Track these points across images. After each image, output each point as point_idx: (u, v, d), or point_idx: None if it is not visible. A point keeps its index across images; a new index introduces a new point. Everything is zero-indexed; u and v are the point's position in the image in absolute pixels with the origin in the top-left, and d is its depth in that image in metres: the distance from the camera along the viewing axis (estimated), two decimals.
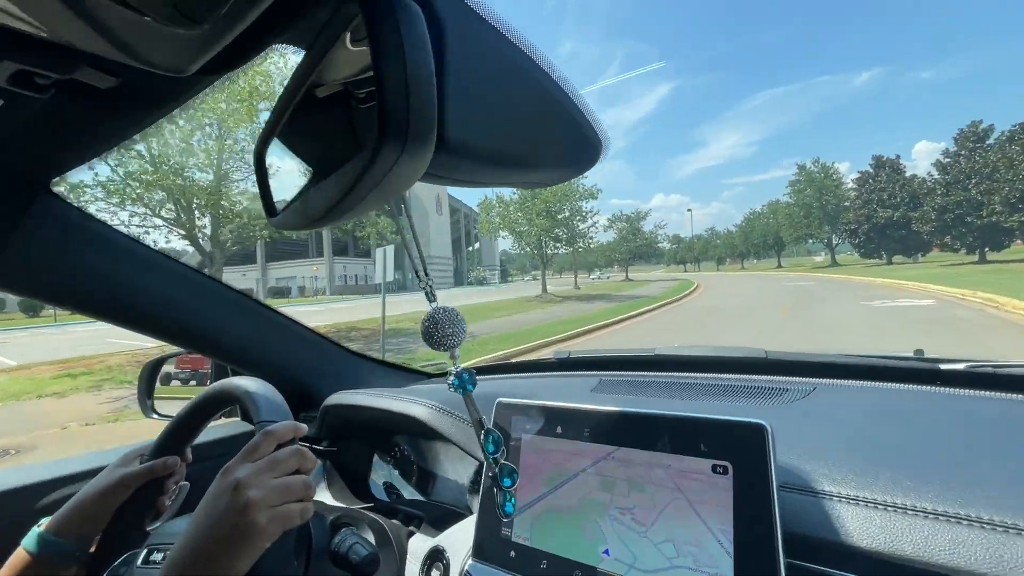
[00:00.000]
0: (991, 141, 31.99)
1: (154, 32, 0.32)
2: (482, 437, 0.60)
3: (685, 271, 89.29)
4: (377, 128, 0.25)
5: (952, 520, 0.43)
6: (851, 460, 0.53)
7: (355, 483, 1.05)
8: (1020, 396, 0.69)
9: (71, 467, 0.91)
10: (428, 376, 1.35)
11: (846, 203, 46.75)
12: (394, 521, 0.79)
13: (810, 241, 57.59)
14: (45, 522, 0.63)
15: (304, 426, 0.58)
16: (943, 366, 0.78)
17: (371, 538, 0.71)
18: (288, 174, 0.47)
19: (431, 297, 0.53)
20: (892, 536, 0.44)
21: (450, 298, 23.99)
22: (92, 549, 0.66)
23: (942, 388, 0.76)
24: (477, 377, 0.57)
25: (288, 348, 1.07)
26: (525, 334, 9.60)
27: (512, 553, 0.60)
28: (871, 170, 43.30)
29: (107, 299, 0.85)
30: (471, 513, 0.73)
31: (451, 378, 0.56)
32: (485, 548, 0.62)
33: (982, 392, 0.73)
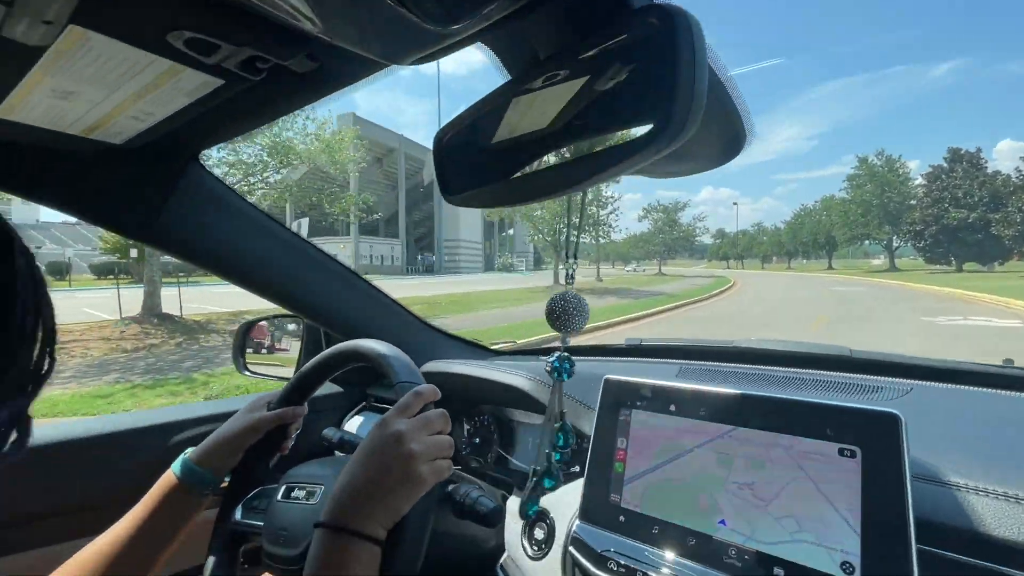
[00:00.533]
0: None
1: (400, 26, 0.36)
2: (557, 428, 0.61)
3: (728, 267, 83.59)
4: (654, 126, 0.28)
5: None
6: (972, 455, 0.54)
7: None
8: None
9: (198, 411, 1.01)
10: (498, 353, 1.40)
11: (912, 201, 41.77)
12: (488, 484, 0.85)
13: (867, 242, 52.66)
14: (191, 452, 0.71)
15: (439, 391, 0.61)
16: None
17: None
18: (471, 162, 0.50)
19: (570, 280, 0.56)
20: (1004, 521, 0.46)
21: (452, 284, 22.88)
22: (223, 484, 0.74)
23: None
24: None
25: (383, 318, 1.14)
26: (482, 333, 9.14)
27: (621, 518, 0.64)
28: (945, 164, 38.05)
29: (235, 264, 0.93)
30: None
31: (553, 359, 0.58)
32: (592, 511, 0.66)
33: None
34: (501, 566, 0.74)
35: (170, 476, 0.68)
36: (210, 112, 0.60)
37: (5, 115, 0.55)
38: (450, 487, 0.71)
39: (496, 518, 0.68)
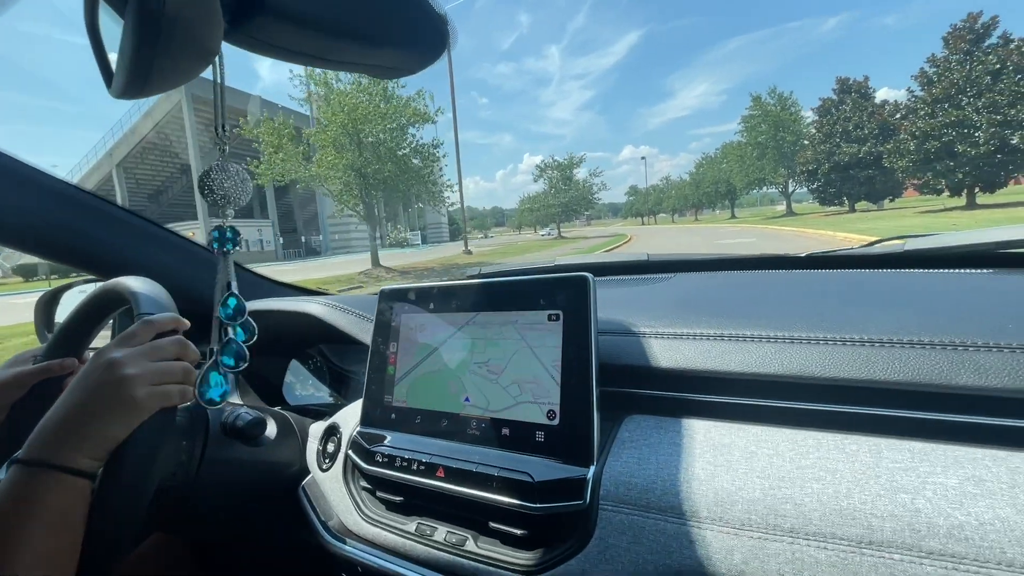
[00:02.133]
0: (994, 40, 22.69)
1: None
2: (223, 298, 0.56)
3: (643, 223, 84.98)
4: None
5: (719, 339, 0.53)
6: (673, 313, 0.62)
7: (268, 393, 1.09)
8: (836, 271, 0.82)
9: None
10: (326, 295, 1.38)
11: (805, 141, 38.24)
12: (295, 414, 0.85)
13: (767, 188, 48.13)
14: None
15: (186, 321, 0.57)
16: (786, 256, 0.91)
17: (272, 424, 0.76)
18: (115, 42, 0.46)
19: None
20: (680, 355, 0.54)
21: (315, 268, 19.89)
22: None
23: (776, 271, 0.88)
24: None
25: (185, 263, 1.06)
26: None
27: (393, 415, 0.67)
28: (835, 96, 34.21)
29: None
30: None
31: (214, 230, 0.54)
32: (371, 416, 0.69)
33: (816, 271, 0.86)
34: (303, 486, 0.75)
35: None
36: None
37: None
38: (221, 416, 0.70)
39: (256, 428, 0.68)
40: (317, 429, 0.79)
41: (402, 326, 0.70)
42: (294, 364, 1.11)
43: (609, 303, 0.70)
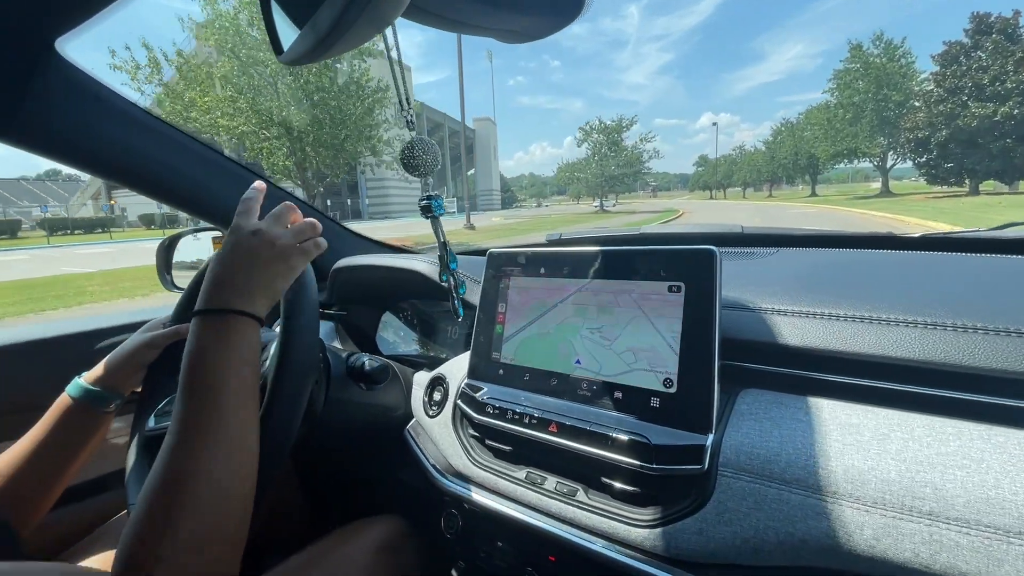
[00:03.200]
0: None
1: None
2: (447, 256, 0.67)
3: (711, 198, 73.45)
4: None
5: (850, 320, 0.52)
6: (794, 290, 0.62)
7: (363, 343, 1.17)
8: (958, 254, 0.77)
9: (121, 319, 1.03)
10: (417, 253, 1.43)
11: (916, 102, 29.17)
12: (398, 363, 0.91)
13: (858, 161, 37.83)
14: (84, 374, 0.74)
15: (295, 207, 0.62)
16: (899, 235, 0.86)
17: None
18: (295, 14, 0.49)
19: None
20: (808, 334, 0.54)
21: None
22: (132, 391, 0.77)
23: (891, 251, 0.83)
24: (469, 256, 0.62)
25: None
26: None
27: (500, 371, 0.71)
28: (967, 40, 25.58)
29: (113, 161, 0.90)
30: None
31: (422, 201, 0.61)
32: (478, 370, 0.73)
33: (933, 252, 0.81)
34: (408, 430, 0.82)
35: (65, 398, 0.71)
36: None
37: None
38: (349, 359, 0.77)
39: (380, 375, 0.74)
40: (422, 378, 0.85)
41: (511, 288, 0.73)
42: (387, 316, 1.18)
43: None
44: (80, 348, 0.98)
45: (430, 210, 0.61)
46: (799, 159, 49.87)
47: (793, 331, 0.55)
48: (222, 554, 0.44)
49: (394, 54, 0.50)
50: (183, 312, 0.83)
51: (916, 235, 0.88)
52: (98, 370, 0.74)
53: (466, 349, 1.01)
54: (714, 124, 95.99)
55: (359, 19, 0.38)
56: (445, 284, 0.70)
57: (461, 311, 0.71)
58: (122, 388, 0.75)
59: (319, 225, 0.60)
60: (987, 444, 0.42)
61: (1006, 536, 0.37)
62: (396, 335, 1.18)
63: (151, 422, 0.77)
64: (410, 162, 0.55)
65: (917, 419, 0.46)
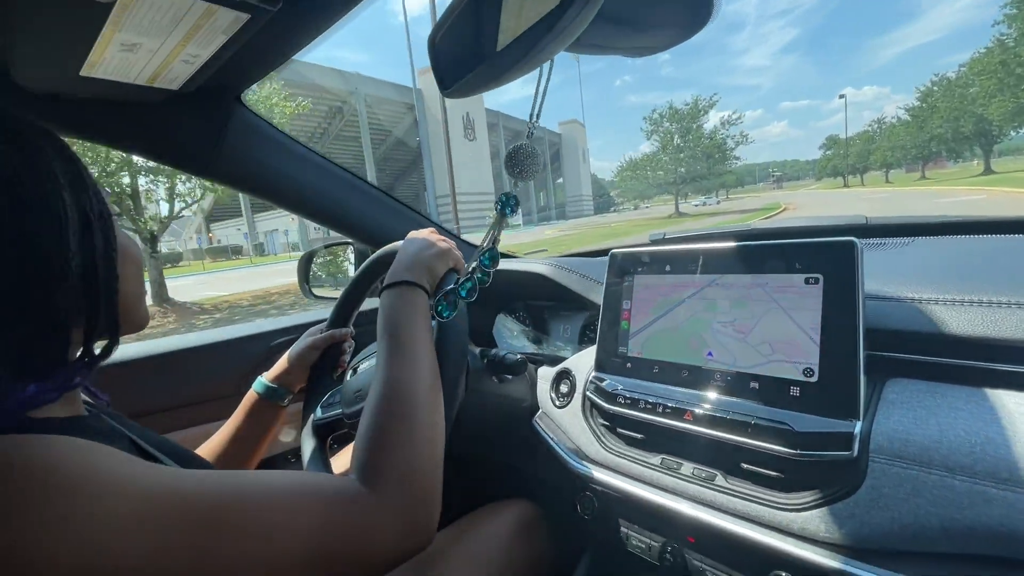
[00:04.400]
0: None
1: None
2: (487, 248, 0.68)
3: (846, 186, 56.05)
4: None
5: (999, 306, 0.51)
6: (934, 279, 0.60)
7: (480, 341, 1.27)
8: None
9: (291, 321, 1.21)
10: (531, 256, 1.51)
11: None
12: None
13: None
14: (265, 374, 0.88)
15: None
16: None
17: None
18: (459, 54, 0.58)
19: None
20: (960, 321, 0.53)
21: None
22: (299, 388, 0.90)
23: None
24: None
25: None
26: None
27: (628, 365, 0.75)
28: None
29: (286, 192, 1.07)
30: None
31: (502, 194, 0.65)
32: (604, 362, 0.78)
33: None
34: (536, 420, 0.89)
35: (252, 394, 0.85)
36: (245, 50, 0.70)
37: (88, 72, 0.67)
38: (489, 353, 0.85)
39: (519, 368, 0.81)
40: (547, 372, 0.92)
41: (635, 285, 0.77)
42: (501, 316, 1.27)
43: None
44: (258, 346, 1.16)
45: (502, 206, 0.66)
46: (961, 125, 36.25)
47: (939, 319, 0.54)
48: (432, 485, 0.49)
49: (542, 84, 0.56)
50: (336, 316, 0.95)
51: None
52: (275, 370, 0.88)
53: (579, 346, 1.07)
54: (841, 96, 78.92)
55: (526, 56, 0.45)
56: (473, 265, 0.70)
57: (447, 312, 0.67)
58: (293, 385, 0.89)
59: (453, 243, 0.74)
60: None
61: None
62: (511, 333, 1.26)
63: (319, 412, 0.90)
64: (513, 162, 0.61)
65: None
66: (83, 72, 0.67)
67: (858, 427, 0.52)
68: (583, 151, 64.88)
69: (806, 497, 0.54)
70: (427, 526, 0.47)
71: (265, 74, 0.87)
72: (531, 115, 0.58)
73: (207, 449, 0.81)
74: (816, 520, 0.53)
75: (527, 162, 0.61)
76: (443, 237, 0.74)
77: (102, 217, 0.44)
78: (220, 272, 24.69)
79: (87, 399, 0.53)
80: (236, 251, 41.65)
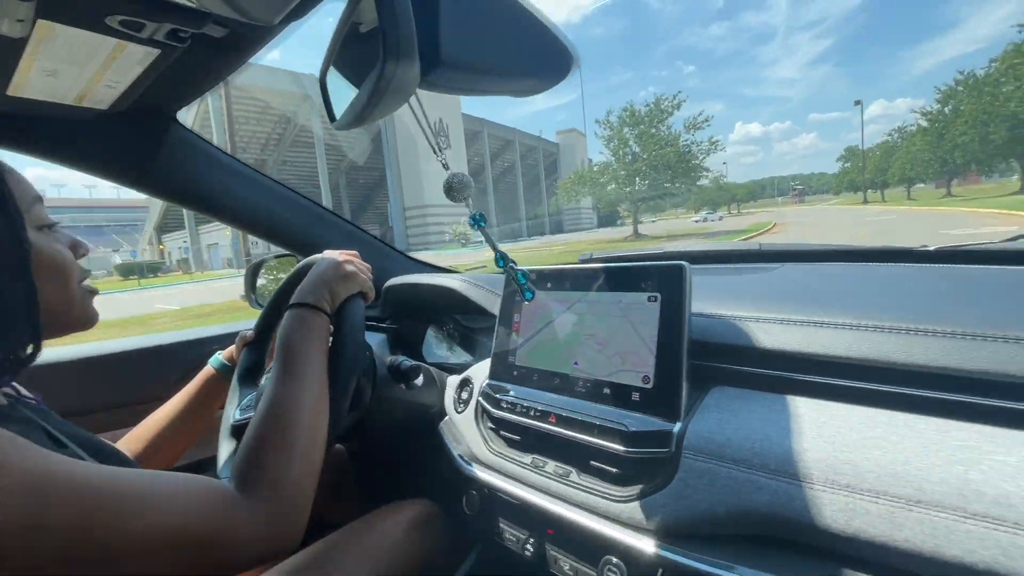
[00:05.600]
0: None
1: None
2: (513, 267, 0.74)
3: (866, 202, 50.23)
4: (382, 51, 0.43)
5: (813, 325, 0.59)
6: (767, 300, 0.69)
7: (411, 353, 1.33)
8: (957, 265, 0.80)
9: (224, 329, 1.26)
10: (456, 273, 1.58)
11: None
12: (435, 368, 1.05)
13: None
14: (221, 352, 0.95)
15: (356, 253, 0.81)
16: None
17: (422, 373, 0.97)
18: (341, 90, 0.65)
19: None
20: (766, 336, 0.61)
21: None
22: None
23: (898, 264, 0.87)
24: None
25: (359, 247, 1.32)
26: None
27: (515, 373, 0.82)
28: None
29: (222, 206, 1.13)
30: None
31: (470, 217, 0.71)
32: (497, 371, 0.85)
33: (944, 265, 0.84)
34: (441, 425, 0.95)
35: (209, 368, 0.93)
36: (169, 78, 0.77)
37: (16, 92, 0.73)
38: (387, 361, 0.92)
39: (413, 374, 0.88)
40: (454, 380, 0.98)
41: (523, 301, 0.85)
42: (431, 329, 1.34)
43: (715, 289, 0.78)
44: (193, 352, 1.20)
45: (475, 223, 0.71)
46: (991, 131, 28.41)
47: (754, 335, 0.62)
48: (302, 495, 0.55)
49: (420, 116, 0.64)
50: (263, 324, 1.01)
51: (931, 248, 0.90)
52: (228, 352, 0.95)
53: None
54: (857, 103, 66.30)
55: (384, 97, 0.53)
56: (501, 269, 0.75)
57: (528, 295, 0.77)
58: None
59: (367, 266, 0.80)
60: (909, 430, 0.48)
61: (907, 505, 0.43)
62: (440, 346, 1.32)
63: (237, 414, 0.95)
64: (449, 193, 0.68)
65: (856, 410, 0.53)
66: (11, 92, 0.73)
67: (677, 427, 0.60)
68: (582, 161, 60.03)
69: (634, 490, 0.62)
70: (291, 532, 0.52)
71: (199, 95, 0.93)
72: (434, 148, 0.66)
73: (162, 412, 0.88)
74: (639, 510, 0.60)
75: (463, 189, 0.68)
76: (353, 259, 0.79)
77: (14, 232, 0.49)
78: (147, 290, 23.55)
79: (11, 393, 0.58)
80: (183, 264, 40.49)
